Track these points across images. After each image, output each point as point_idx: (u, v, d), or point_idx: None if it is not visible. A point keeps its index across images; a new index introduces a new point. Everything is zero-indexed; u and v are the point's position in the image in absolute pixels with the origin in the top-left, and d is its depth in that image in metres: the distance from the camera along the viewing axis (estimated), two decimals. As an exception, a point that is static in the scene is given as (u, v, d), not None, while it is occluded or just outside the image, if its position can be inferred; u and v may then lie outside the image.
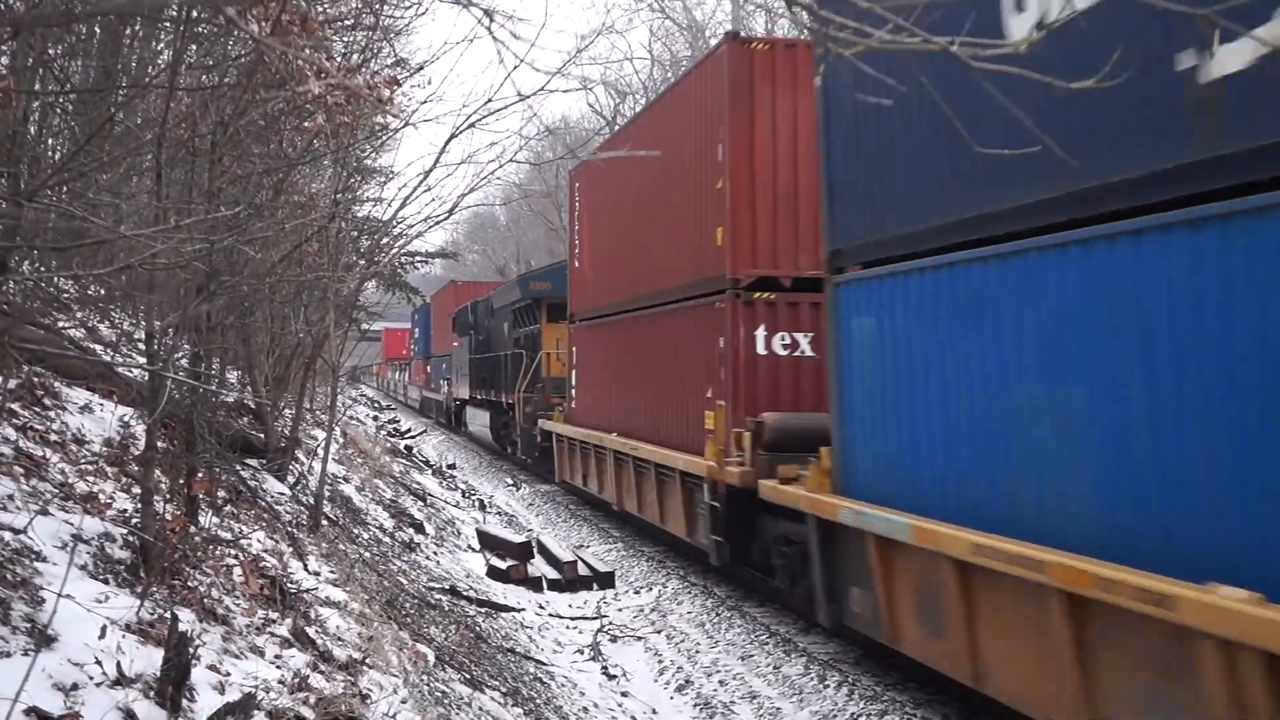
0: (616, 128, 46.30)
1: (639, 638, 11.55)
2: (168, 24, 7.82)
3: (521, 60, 2.83)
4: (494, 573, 13.92)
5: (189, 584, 5.81)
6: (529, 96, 4.75)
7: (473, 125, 7.38)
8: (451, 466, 27.11)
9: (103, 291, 9.91)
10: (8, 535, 4.95)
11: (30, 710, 3.73)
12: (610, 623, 12.16)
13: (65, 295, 9.11)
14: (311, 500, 10.37)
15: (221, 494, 8.19)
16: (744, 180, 12.13)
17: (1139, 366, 5.55)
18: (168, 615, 4.86)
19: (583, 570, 14.35)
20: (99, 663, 4.27)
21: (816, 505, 8.98)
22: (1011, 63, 2.92)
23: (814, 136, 9.98)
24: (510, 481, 26.33)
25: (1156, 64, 5.27)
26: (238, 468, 9.29)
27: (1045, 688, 6.37)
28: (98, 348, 8.51)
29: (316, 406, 17.56)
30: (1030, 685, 6.57)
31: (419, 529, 14.90)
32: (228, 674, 4.96)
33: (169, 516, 6.17)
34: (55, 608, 4.26)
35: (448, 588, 11.72)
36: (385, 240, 12.34)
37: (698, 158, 13.24)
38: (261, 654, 5.52)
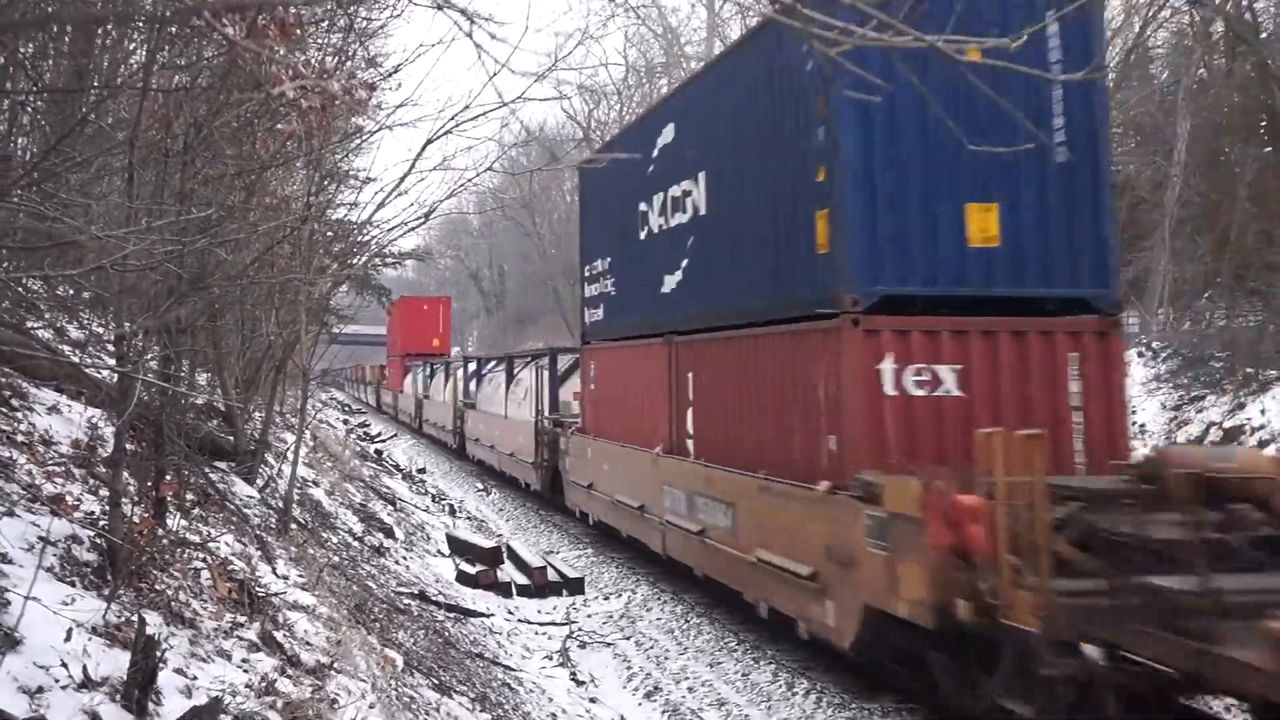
0: (594, 133, 46.35)
1: (608, 644, 11.55)
2: (141, 25, 7.79)
3: (503, 65, 2.85)
4: (463, 578, 13.89)
5: (156, 587, 5.78)
6: (508, 103, 4.76)
7: (449, 131, 7.38)
8: (422, 471, 27.03)
9: (72, 292, 9.84)
10: (-27, 537, 4.91)
11: (-5, 713, 3.71)
12: (579, 629, 12.16)
13: (34, 295, 9.04)
14: (281, 504, 10.33)
15: (190, 496, 8.15)
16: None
17: None
18: (135, 618, 4.83)
19: (552, 576, 14.34)
20: (65, 665, 4.24)
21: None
22: (999, 56, 2.97)
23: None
24: (480, 487, 26.28)
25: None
26: (206, 470, 9.24)
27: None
28: (66, 349, 8.46)
29: (286, 409, 17.47)
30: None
31: (388, 533, 14.85)
32: (195, 678, 4.93)
33: (137, 519, 6.13)
34: (22, 610, 4.23)
35: (417, 592, 11.69)
36: (359, 244, 12.31)
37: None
38: (229, 658, 5.50)
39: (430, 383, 39.80)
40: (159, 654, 4.49)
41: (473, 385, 30.82)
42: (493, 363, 30.55)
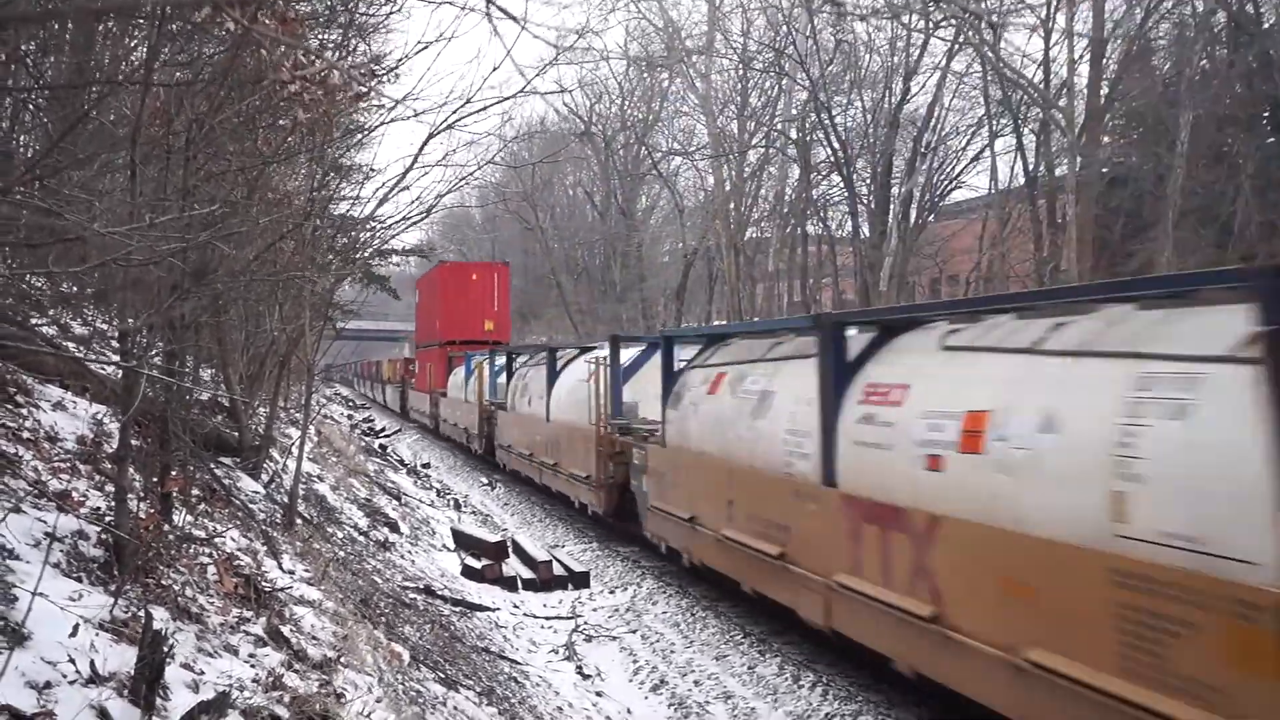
0: (595, 126, 46.32)
1: (614, 637, 11.55)
2: (142, 20, 7.77)
3: (518, 36, 2.84)
4: (469, 572, 13.90)
5: (163, 582, 5.78)
6: (510, 97, 4.76)
7: (451, 125, 7.38)
8: (426, 465, 27.03)
9: (76, 289, 9.84)
10: (-20, 533, 4.91)
11: (3, 709, 3.71)
12: (585, 622, 12.15)
13: (38, 292, 9.05)
14: (286, 499, 10.33)
15: (195, 492, 8.15)
16: None
17: None
18: (141, 613, 4.84)
19: (558, 570, 14.34)
20: (72, 661, 4.24)
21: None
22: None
23: None
24: (485, 481, 26.28)
25: None
26: (212, 466, 9.25)
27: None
28: (71, 345, 8.46)
29: (291, 405, 17.49)
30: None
31: (394, 528, 14.86)
32: (202, 672, 4.93)
33: (143, 514, 6.13)
34: (30, 606, 4.23)
35: (422, 587, 11.70)
36: (362, 239, 12.31)
37: None
38: (236, 652, 5.50)
39: (509, 385, 25.08)
40: (166, 649, 4.48)
41: (627, 390, 16.51)
42: (756, 340, 12.27)
